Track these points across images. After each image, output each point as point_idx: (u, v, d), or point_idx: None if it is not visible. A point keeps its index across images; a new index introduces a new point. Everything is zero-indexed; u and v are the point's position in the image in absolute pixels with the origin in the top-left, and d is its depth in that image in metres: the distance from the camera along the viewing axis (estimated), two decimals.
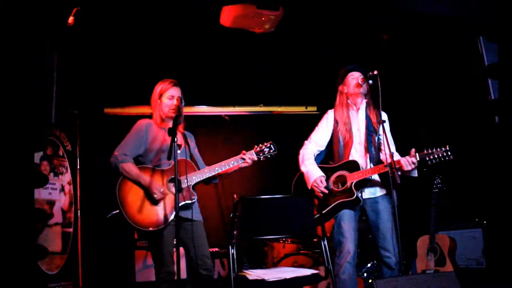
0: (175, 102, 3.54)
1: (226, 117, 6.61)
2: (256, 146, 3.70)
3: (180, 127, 3.63)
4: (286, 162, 6.52)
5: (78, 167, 5.55)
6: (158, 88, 3.62)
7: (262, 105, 6.79)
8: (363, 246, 4.86)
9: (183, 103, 3.54)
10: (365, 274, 4.89)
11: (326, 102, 6.63)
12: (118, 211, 3.40)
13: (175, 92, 3.58)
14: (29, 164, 4.22)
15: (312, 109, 7.03)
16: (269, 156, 3.70)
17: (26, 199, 4.11)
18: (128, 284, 5.30)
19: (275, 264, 4.92)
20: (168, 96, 3.57)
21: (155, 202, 3.39)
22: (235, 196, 5.77)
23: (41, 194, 4.96)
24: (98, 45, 5.06)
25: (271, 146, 3.71)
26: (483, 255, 5.01)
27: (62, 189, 5.28)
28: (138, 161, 3.56)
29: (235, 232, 3.25)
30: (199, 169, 3.62)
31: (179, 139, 3.58)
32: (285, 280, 3.05)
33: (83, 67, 5.26)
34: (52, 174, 5.13)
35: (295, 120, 6.84)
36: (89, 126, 5.81)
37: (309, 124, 6.81)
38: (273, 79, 6.30)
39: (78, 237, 5.43)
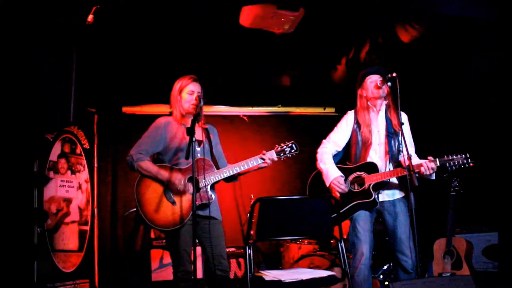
0: (195, 97, 3.51)
1: (245, 117, 6.60)
2: (277, 145, 3.61)
3: (201, 122, 3.60)
4: (303, 163, 6.56)
5: (95, 165, 5.56)
6: (178, 84, 3.59)
7: (280, 105, 6.75)
8: (380, 248, 4.82)
9: (202, 101, 3.52)
10: (381, 276, 4.86)
11: (345, 104, 6.67)
12: (135, 209, 3.40)
13: (195, 87, 3.55)
14: (29, 165, 4.26)
15: (330, 110, 6.97)
16: (290, 155, 3.61)
17: (25, 199, 4.16)
18: (144, 284, 5.30)
19: (291, 265, 4.87)
20: (188, 91, 3.54)
21: (173, 201, 3.37)
22: (252, 196, 5.75)
23: (58, 191, 4.98)
24: (117, 44, 5.08)
25: (293, 145, 3.62)
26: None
27: (79, 187, 5.30)
28: (158, 159, 3.56)
29: (252, 233, 3.22)
30: (219, 166, 3.59)
31: (200, 134, 3.56)
32: (302, 281, 3.01)
33: (102, 66, 5.28)
34: (69, 171, 5.16)
35: (313, 121, 6.79)
36: (106, 125, 5.83)
37: (327, 125, 6.77)
38: (292, 79, 6.26)
39: (94, 235, 5.44)
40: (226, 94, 6.19)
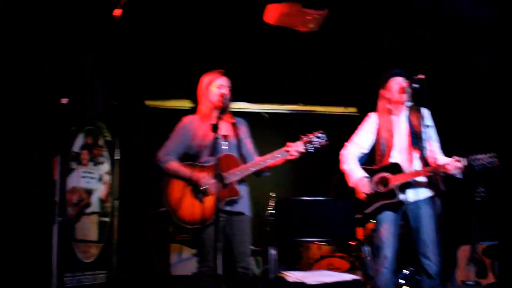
0: (224, 91, 3.47)
1: (265, 115, 6.57)
2: (302, 136, 3.39)
3: (228, 117, 3.55)
4: (323, 162, 6.52)
5: (117, 157, 5.59)
6: (206, 78, 3.56)
7: (301, 103, 6.71)
8: (400, 251, 4.76)
9: (230, 97, 3.49)
10: (401, 281, 4.80)
11: (367, 104, 6.62)
12: (165, 208, 3.41)
13: (224, 81, 3.52)
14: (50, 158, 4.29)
15: (352, 110, 6.92)
16: (319, 146, 3.34)
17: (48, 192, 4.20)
18: (162, 277, 5.32)
19: (310, 266, 4.83)
20: (216, 85, 3.50)
21: (200, 198, 3.36)
22: (271, 194, 5.73)
23: (80, 182, 5.02)
24: (142, 38, 5.09)
25: (321, 135, 3.36)
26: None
27: (101, 178, 5.33)
28: (186, 158, 3.55)
29: (274, 233, 3.20)
30: (246, 161, 3.52)
31: (226, 129, 3.52)
32: (326, 284, 2.98)
33: (126, 59, 5.29)
34: (91, 163, 5.19)
35: (334, 120, 6.75)
36: (129, 117, 5.86)
37: (348, 125, 6.73)
38: (314, 78, 6.23)
39: (114, 227, 5.47)
40: (247, 91, 6.18)
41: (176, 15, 4.89)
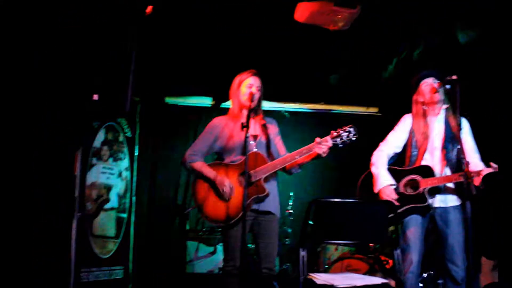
0: (254, 90, 3.47)
1: (286, 113, 6.53)
2: (332, 131, 3.31)
3: (259, 118, 3.55)
4: (344, 162, 6.45)
5: (136, 153, 5.59)
6: (238, 78, 3.57)
7: (323, 103, 6.65)
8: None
9: (259, 95, 3.50)
10: (420, 285, 4.73)
11: (389, 104, 6.53)
12: (195, 206, 3.50)
13: (254, 81, 3.52)
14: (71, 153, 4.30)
15: (373, 109, 6.84)
16: (348, 141, 3.26)
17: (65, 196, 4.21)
18: (178, 275, 5.31)
19: (328, 267, 4.78)
20: (247, 85, 3.50)
21: (226, 197, 3.36)
22: (290, 194, 5.70)
23: (99, 178, 5.03)
24: (165, 34, 5.07)
25: (351, 129, 3.28)
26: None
27: (120, 174, 5.33)
28: (217, 158, 3.59)
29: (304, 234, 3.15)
30: (275, 159, 3.46)
31: (256, 129, 3.51)
32: (355, 287, 2.91)
33: (147, 54, 5.28)
34: (111, 159, 5.20)
35: (355, 120, 6.63)
36: (149, 114, 5.86)
37: (370, 124, 6.64)
38: (337, 77, 6.15)
39: (131, 224, 5.48)
40: (269, 89, 6.13)
41: (200, 12, 4.86)
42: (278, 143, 3.61)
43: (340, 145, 3.28)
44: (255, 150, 3.42)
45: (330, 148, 3.30)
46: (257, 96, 3.48)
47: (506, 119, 5.31)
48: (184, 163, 3.52)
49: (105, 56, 3.56)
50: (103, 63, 3.57)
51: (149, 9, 3.90)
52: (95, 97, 3.46)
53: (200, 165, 3.47)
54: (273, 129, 3.63)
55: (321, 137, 3.38)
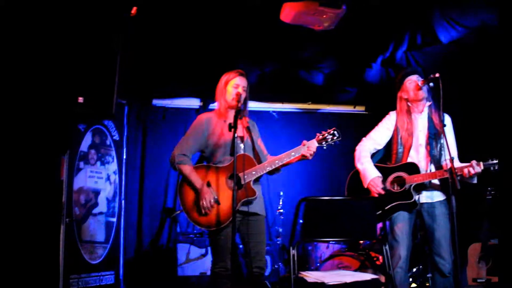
0: (240, 90, 3.46)
1: (274, 114, 6.55)
2: (318, 134, 3.43)
3: (245, 120, 3.56)
4: (332, 160, 6.47)
5: (125, 157, 5.55)
6: (224, 77, 3.56)
7: (310, 102, 6.67)
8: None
9: (245, 96, 3.49)
10: (410, 279, 4.78)
11: (375, 102, 6.56)
12: (181, 209, 3.44)
13: (241, 81, 3.51)
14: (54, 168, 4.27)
15: (360, 108, 6.88)
16: (333, 143, 3.41)
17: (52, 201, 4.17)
18: (169, 278, 5.27)
19: (320, 264, 4.79)
20: (233, 85, 3.50)
21: (216, 199, 3.34)
22: (281, 193, 5.71)
23: (87, 182, 4.98)
24: (150, 36, 5.04)
25: (335, 132, 3.42)
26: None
27: (108, 178, 5.29)
28: (201, 156, 3.56)
29: (294, 233, 3.15)
30: (260, 161, 3.51)
31: (241, 131, 3.50)
32: (345, 284, 2.94)
33: (133, 57, 5.25)
34: (99, 163, 5.15)
35: (343, 119, 6.71)
36: (137, 116, 5.83)
37: (357, 123, 6.66)
38: (323, 77, 6.17)
39: (121, 228, 5.44)
40: (256, 89, 6.13)
41: (187, 13, 4.84)
42: (260, 144, 3.64)
43: (324, 147, 3.43)
44: (243, 152, 3.43)
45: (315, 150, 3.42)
46: (243, 96, 3.48)
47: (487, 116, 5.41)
48: (172, 162, 3.47)
49: (89, 58, 3.54)
50: (88, 65, 3.54)
51: (134, 10, 3.88)
52: (80, 99, 3.43)
53: (188, 170, 3.41)
54: (256, 130, 3.66)
55: (310, 137, 3.46)
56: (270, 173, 3.51)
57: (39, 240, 4.17)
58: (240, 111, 3.34)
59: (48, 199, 4.28)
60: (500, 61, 5.12)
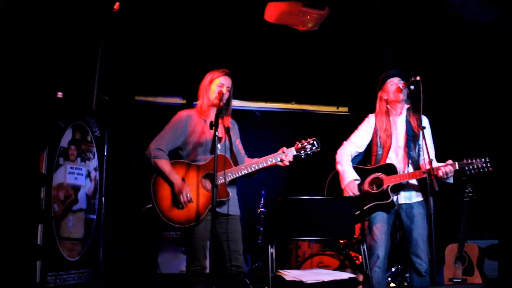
0: (224, 90, 3.46)
1: (257, 113, 6.55)
2: (297, 142, 3.42)
3: (226, 120, 3.53)
4: (315, 161, 6.48)
5: (106, 153, 5.50)
6: (209, 75, 3.55)
7: (294, 102, 6.70)
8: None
9: (228, 96, 3.49)
10: (389, 279, 4.84)
11: (358, 104, 6.61)
12: (151, 205, 3.38)
13: (226, 81, 3.51)
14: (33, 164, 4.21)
15: (343, 109, 6.93)
16: (311, 153, 3.38)
17: (30, 198, 4.12)
18: (149, 275, 5.24)
19: (300, 264, 4.81)
20: (218, 83, 3.50)
21: (189, 198, 3.33)
22: (263, 192, 5.70)
23: (66, 179, 4.91)
24: (134, 32, 5.02)
25: (314, 142, 3.40)
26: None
27: (88, 174, 5.23)
28: (177, 153, 3.51)
29: (272, 232, 3.16)
30: (238, 162, 3.50)
31: (221, 131, 3.49)
32: (323, 283, 2.96)
33: (117, 53, 5.22)
34: (79, 159, 5.09)
35: (326, 119, 6.74)
36: (119, 113, 5.78)
37: (340, 124, 6.71)
38: (307, 77, 6.20)
39: (101, 225, 5.38)
40: (240, 88, 6.12)
41: (170, 11, 4.82)
42: (239, 145, 3.64)
43: (303, 156, 3.39)
44: (221, 152, 3.41)
45: (294, 158, 3.39)
46: (226, 96, 3.48)
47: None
48: (148, 157, 3.43)
49: (70, 53, 3.51)
50: (68, 60, 3.51)
51: (116, 5, 3.85)
52: (59, 94, 3.39)
53: (165, 165, 3.38)
54: (235, 131, 3.65)
55: (291, 137, 3.51)
56: (246, 176, 3.49)
57: (16, 237, 4.12)
58: (221, 110, 3.33)
59: (26, 196, 4.23)
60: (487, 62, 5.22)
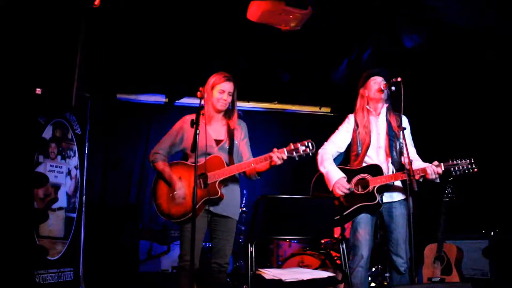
0: (225, 97, 3.52)
1: (240, 112, 6.54)
2: (291, 144, 3.36)
3: (232, 123, 3.60)
4: (299, 161, 6.48)
5: (87, 151, 5.45)
6: (211, 80, 3.59)
7: (276, 102, 6.71)
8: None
9: (231, 99, 3.58)
10: (369, 278, 4.87)
11: (341, 104, 6.64)
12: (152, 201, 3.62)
13: (227, 87, 3.55)
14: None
15: (326, 110, 6.96)
16: (304, 155, 3.32)
17: (25, 199, 4.06)
18: (130, 274, 5.21)
19: (281, 263, 4.81)
20: (219, 90, 3.54)
21: (183, 195, 3.47)
22: (244, 192, 5.69)
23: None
24: (116, 28, 4.98)
25: (309, 144, 3.32)
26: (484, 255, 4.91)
27: (69, 173, 5.18)
28: (184, 154, 3.66)
29: (254, 231, 3.16)
30: (236, 163, 3.52)
31: (220, 134, 3.56)
32: (302, 281, 2.97)
33: (99, 50, 5.17)
34: (59, 157, 5.04)
35: (308, 120, 6.76)
36: (100, 111, 5.73)
37: (322, 124, 6.73)
38: (290, 77, 6.21)
39: (81, 223, 5.33)
40: None
41: (153, 9, 4.80)
42: (243, 148, 3.65)
43: (296, 158, 3.35)
44: (216, 153, 3.48)
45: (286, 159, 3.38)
46: (228, 101, 3.57)
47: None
48: (149, 161, 3.65)
49: (48, 48, 3.46)
50: (47, 55, 3.46)
51: (97, 1, 3.82)
52: (38, 91, 3.36)
53: (161, 166, 3.56)
54: (241, 133, 3.67)
55: (274, 136, 3.50)
56: (249, 178, 3.60)
57: (15, 237, 4.07)
58: (202, 108, 3.36)
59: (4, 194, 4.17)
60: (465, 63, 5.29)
